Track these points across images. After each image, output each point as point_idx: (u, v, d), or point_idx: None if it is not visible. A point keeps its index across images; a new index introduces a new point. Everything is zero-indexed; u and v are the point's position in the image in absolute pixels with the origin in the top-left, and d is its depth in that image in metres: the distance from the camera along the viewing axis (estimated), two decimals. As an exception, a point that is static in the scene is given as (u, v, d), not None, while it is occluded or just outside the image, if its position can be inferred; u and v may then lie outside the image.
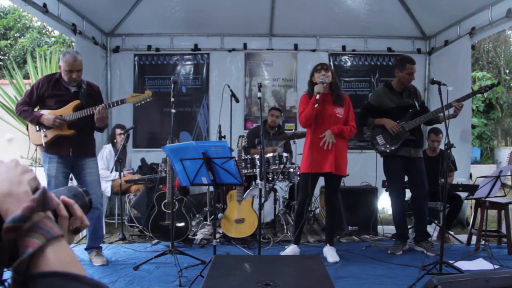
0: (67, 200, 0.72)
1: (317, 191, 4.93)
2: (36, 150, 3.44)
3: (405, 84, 3.89)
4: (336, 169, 3.57)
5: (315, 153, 3.53)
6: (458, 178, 4.83)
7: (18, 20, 13.33)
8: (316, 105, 3.39)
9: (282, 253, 3.70)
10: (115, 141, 5.06)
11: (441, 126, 4.14)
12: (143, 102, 3.44)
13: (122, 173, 4.67)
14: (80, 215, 0.72)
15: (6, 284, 0.61)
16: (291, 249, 3.68)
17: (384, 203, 5.60)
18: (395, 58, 6.04)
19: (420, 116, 3.80)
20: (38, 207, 0.61)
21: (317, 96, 3.39)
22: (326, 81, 3.51)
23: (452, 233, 4.45)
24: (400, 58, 4.01)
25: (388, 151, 3.85)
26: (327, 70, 3.56)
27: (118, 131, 4.99)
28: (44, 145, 3.34)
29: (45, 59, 7.37)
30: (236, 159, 3.78)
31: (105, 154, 4.97)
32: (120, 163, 4.43)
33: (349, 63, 6.20)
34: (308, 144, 3.60)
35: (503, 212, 4.01)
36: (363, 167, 5.71)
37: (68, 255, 0.62)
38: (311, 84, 3.64)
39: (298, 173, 4.50)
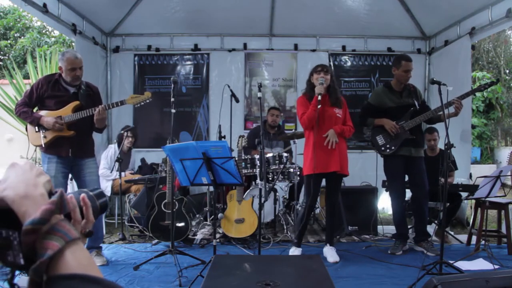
0: (87, 200, 0.73)
1: (317, 191, 4.93)
2: (35, 150, 3.44)
3: (403, 82, 3.89)
4: (341, 168, 3.58)
5: (320, 153, 3.52)
6: (458, 178, 4.83)
7: (18, 20, 13.34)
8: (319, 106, 3.40)
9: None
10: (115, 140, 5.05)
11: (439, 126, 4.14)
12: (142, 103, 3.44)
13: (123, 173, 4.67)
14: (92, 220, 0.73)
15: (16, 287, 0.62)
16: (294, 253, 3.68)
17: (384, 203, 5.60)
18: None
19: (420, 115, 3.80)
20: (56, 210, 0.62)
21: (319, 97, 3.40)
22: (325, 84, 3.52)
23: (452, 233, 4.45)
24: (396, 57, 4.03)
25: (388, 151, 3.85)
26: (327, 73, 3.56)
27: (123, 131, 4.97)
28: (43, 145, 3.33)
29: (45, 59, 7.37)
30: (236, 159, 3.78)
31: (109, 154, 4.97)
32: (120, 163, 4.43)
33: (349, 63, 6.19)
34: (311, 146, 3.58)
35: (503, 212, 4.01)
36: (363, 167, 5.71)
37: (86, 257, 0.63)
38: (310, 84, 3.64)
39: (298, 173, 4.51)
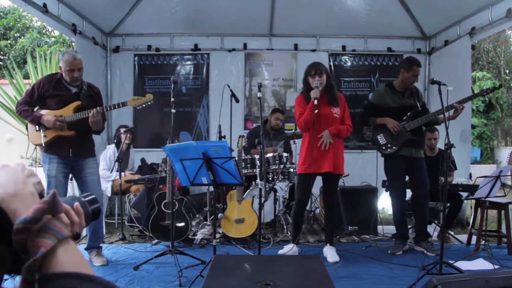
0: (80, 208, 0.74)
1: (317, 191, 4.94)
2: (35, 150, 3.44)
3: (408, 85, 3.89)
4: (334, 169, 3.58)
5: (314, 153, 3.53)
6: (458, 178, 4.83)
7: (18, 20, 13.34)
8: (316, 111, 3.41)
9: (280, 252, 3.70)
10: (115, 140, 5.05)
11: (440, 127, 4.14)
12: (144, 105, 3.44)
13: (123, 173, 4.66)
14: (77, 221, 0.72)
15: None
16: (289, 248, 3.68)
17: (384, 203, 5.60)
18: (395, 58, 6.06)
19: (421, 116, 3.80)
20: (48, 210, 0.62)
21: (315, 102, 3.40)
22: (320, 87, 3.51)
23: (452, 233, 4.45)
24: (408, 60, 3.96)
25: (389, 150, 3.85)
26: (321, 75, 3.54)
27: (122, 130, 4.98)
28: (43, 145, 3.33)
29: (45, 59, 7.37)
30: (236, 159, 3.78)
31: (108, 154, 4.95)
32: (120, 163, 4.43)
33: (349, 63, 6.19)
34: (306, 145, 3.60)
35: (503, 212, 4.01)
36: (363, 167, 5.71)
37: (78, 255, 0.64)
38: (306, 84, 3.64)
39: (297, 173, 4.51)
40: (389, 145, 3.86)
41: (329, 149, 3.54)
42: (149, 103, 3.44)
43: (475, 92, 4.25)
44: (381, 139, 3.90)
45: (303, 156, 3.62)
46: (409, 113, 3.82)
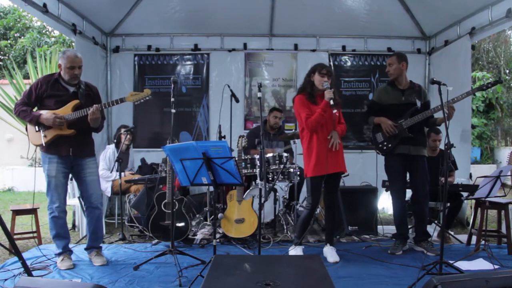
0: None
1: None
2: (35, 150, 3.44)
3: (395, 76, 3.89)
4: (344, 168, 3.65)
5: (328, 155, 3.51)
6: (458, 178, 4.83)
7: (18, 20, 13.36)
8: (335, 111, 3.44)
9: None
10: (115, 140, 5.05)
11: (441, 127, 4.13)
12: (142, 100, 3.45)
13: (123, 173, 4.66)
14: None
15: None
16: (297, 251, 3.68)
17: (384, 203, 5.60)
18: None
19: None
20: None
21: (332, 102, 3.40)
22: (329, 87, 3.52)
23: (452, 233, 4.45)
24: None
25: (385, 148, 3.87)
26: (330, 77, 3.55)
27: (122, 130, 4.97)
28: (44, 145, 3.33)
29: (45, 59, 7.39)
30: (236, 159, 3.78)
31: (107, 155, 4.95)
32: (120, 163, 4.43)
33: (349, 63, 6.20)
34: (315, 147, 3.55)
35: (503, 212, 4.01)
36: (363, 167, 5.71)
37: None
38: (310, 82, 3.61)
39: (298, 173, 4.51)
40: (385, 143, 3.88)
41: (338, 149, 3.59)
42: (147, 98, 3.45)
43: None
44: (379, 137, 3.93)
45: (315, 158, 3.54)
46: (407, 111, 3.82)
